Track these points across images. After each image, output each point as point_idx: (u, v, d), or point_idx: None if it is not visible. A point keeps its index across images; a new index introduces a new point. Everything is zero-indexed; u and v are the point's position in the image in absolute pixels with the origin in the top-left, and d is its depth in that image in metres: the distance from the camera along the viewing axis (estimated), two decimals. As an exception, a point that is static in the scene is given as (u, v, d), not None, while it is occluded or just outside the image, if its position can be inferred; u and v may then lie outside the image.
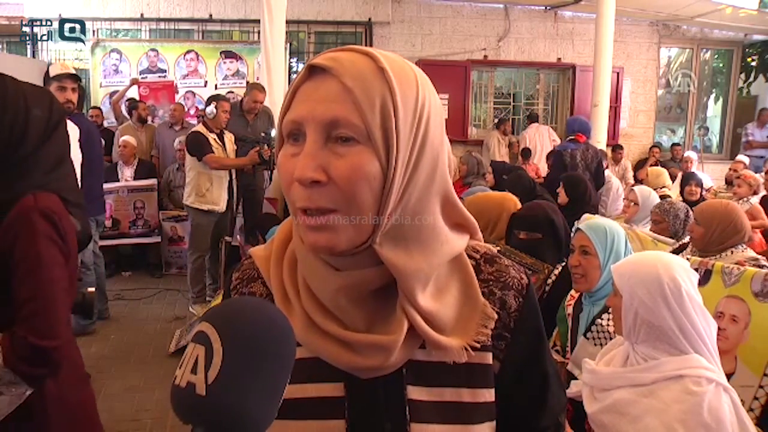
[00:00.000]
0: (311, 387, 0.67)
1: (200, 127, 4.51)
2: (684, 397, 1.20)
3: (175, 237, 5.69)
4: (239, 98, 5.31)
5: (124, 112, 6.36)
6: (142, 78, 6.83)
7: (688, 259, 2.02)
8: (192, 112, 6.84)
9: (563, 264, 2.26)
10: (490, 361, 0.70)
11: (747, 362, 1.72)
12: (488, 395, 0.70)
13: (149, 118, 6.31)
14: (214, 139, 4.46)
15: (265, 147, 4.54)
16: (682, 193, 4.60)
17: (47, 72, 3.33)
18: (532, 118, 7.69)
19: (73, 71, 3.49)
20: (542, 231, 2.37)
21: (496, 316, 0.70)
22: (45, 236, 1.24)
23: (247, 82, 5.32)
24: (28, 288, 1.22)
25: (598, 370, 1.39)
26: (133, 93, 6.63)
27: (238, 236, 5.08)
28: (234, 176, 4.74)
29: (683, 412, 1.18)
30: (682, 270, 1.31)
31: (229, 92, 6.67)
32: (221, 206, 4.58)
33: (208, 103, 4.56)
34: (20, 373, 1.20)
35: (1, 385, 1.20)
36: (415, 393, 0.67)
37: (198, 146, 4.38)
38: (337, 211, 0.60)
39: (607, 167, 5.53)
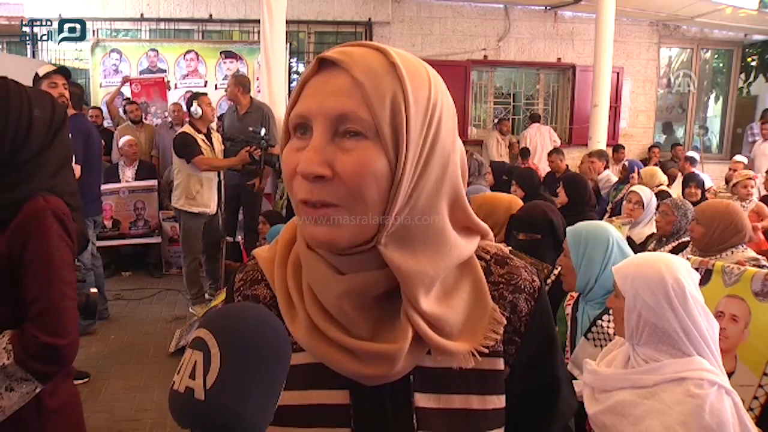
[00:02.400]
0: (316, 394, 0.66)
1: (187, 128, 4.39)
2: (685, 399, 1.19)
3: (175, 237, 5.67)
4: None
5: (121, 113, 6.34)
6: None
7: (688, 258, 2.02)
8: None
9: (563, 264, 2.26)
10: (501, 367, 0.68)
11: (747, 362, 1.72)
12: (498, 402, 0.68)
13: (142, 116, 6.27)
14: (202, 139, 4.37)
15: (256, 147, 4.41)
16: (683, 194, 4.60)
17: (36, 74, 3.32)
18: (534, 118, 7.72)
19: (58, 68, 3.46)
20: (541, 232, 2.37)
21: (504, 322, 0.68)
22: (58, 237, 1.26)
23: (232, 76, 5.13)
24: (39, 286, 1.23)
25: (599, 371, 1.38)
26: (126, 92, 6.59)
27: (239, 236, 5.07)
28: (222, 176, 4.67)
29: (685, 414, 1.18)
30: (685, 271, 1.31)
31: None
32: (212, 208, 4.52)
33: (189, 104, 4.43)
34: (31, 370, 1.21)
35: (12, 381, 1.21)
36: (422, 400, 0.65)
37: (186, 148, 4.28)
38: (341, 206, 0.58)
39: (606, 168, 5.53)
